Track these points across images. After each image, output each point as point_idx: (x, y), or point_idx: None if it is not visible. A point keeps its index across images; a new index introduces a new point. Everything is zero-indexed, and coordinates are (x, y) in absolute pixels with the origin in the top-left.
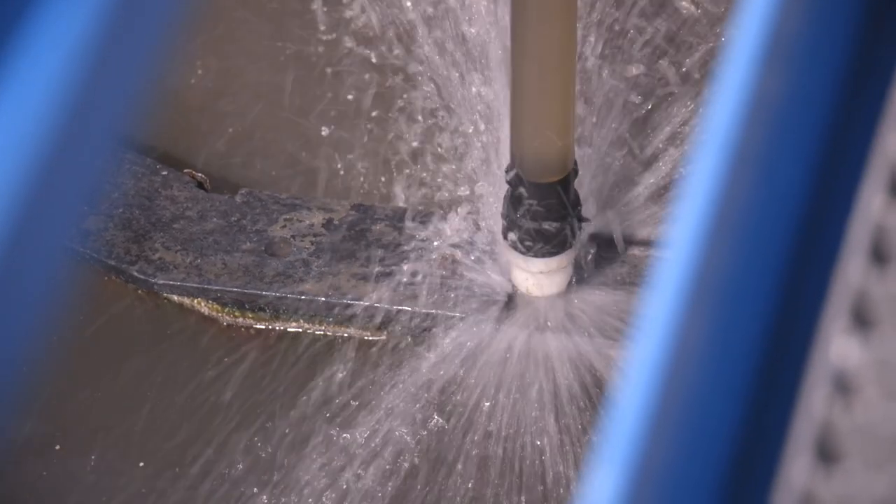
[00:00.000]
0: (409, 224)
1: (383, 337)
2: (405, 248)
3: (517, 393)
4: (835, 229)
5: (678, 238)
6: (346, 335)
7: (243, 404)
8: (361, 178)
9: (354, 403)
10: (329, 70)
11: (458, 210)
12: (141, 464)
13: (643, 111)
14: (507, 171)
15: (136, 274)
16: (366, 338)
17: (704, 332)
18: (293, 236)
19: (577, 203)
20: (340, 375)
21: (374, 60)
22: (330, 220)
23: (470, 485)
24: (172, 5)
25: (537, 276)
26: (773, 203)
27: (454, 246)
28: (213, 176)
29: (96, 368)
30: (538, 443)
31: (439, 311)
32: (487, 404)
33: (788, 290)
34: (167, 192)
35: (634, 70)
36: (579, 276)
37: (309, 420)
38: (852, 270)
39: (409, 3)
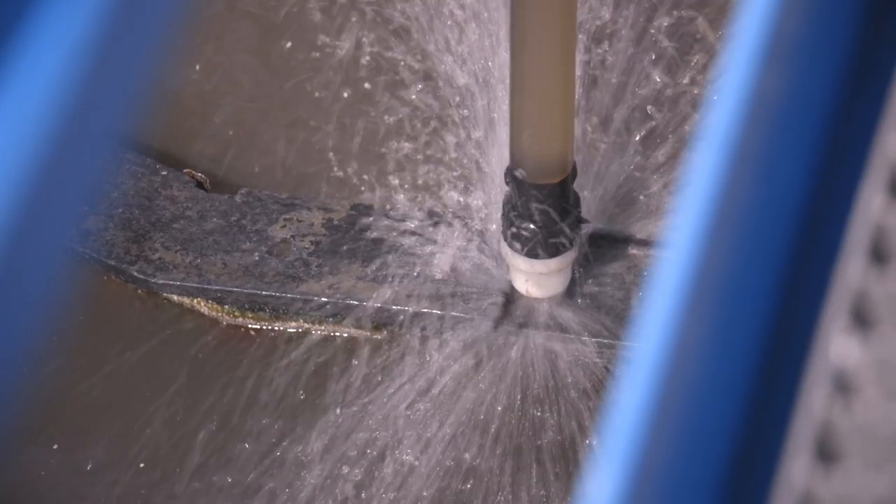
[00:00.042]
0: (409, 224)
1: (383, 336)
2: (405, 247)
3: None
4: (835, 229)
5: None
6: (345, 335)
7: (243, 404)
8: (361, 178)
9: (354, 403)
10: (329, 70)
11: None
12: (141, 464)
13: None
14: (506, 173)
15: (135, 274)
16: (365, 337)
17: (704, 332)
18: (293, 236)
19: (576, 204)
20: (340, 375)
21: (374, 60)
22: (330, 219)
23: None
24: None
25: (537, 277)
26: (773, 202)
27: (454, 246)
28: (212, 176)
29: (96, 368)
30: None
31: (439, 311)
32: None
33: (788, 290)
34: (167, 191)
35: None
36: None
37: (309, 419)
38: (852, 270)
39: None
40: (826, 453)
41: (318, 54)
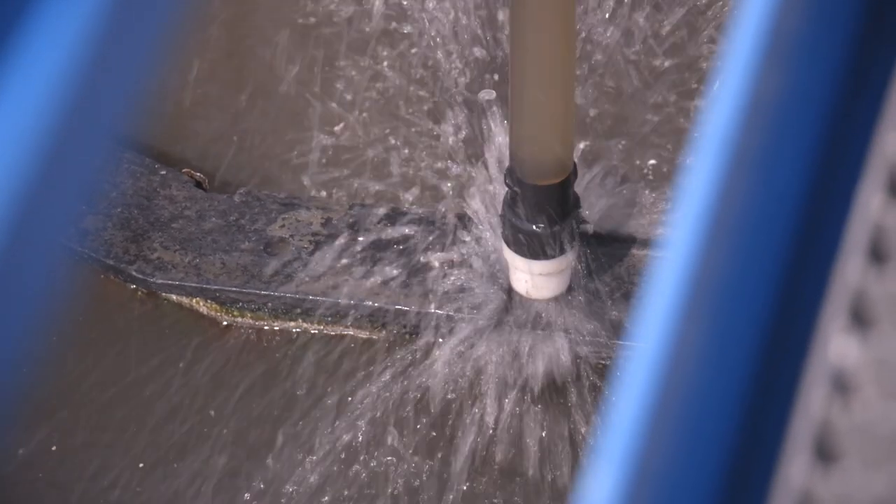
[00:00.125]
0: (408, 224)
1: (382, 336)
2: (404, 247)
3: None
4: (833, 229)
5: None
6: (344, 334)
7: (242, 404)
8: (361, 178)
9: (353, 402)
10: (329, 70)
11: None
12: (141, 464)
13: None
14: (506, 173)
15: (134, 273)
16: (365, 337)
17: (703, 331)
18: (292, 235)
19: (576, 205)
20: (340, 374)
21: (374, 60)
22: (329, 219)
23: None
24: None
25: (536, 278)
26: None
27: (453, 247)
28: (211, 175)
29: (95, 368)
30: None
31: (438, 311)
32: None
33: (787, 290)
34: (166, 191)
35: None
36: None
37: (309, 419)
38: (851, 270)
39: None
40: (825, 453)
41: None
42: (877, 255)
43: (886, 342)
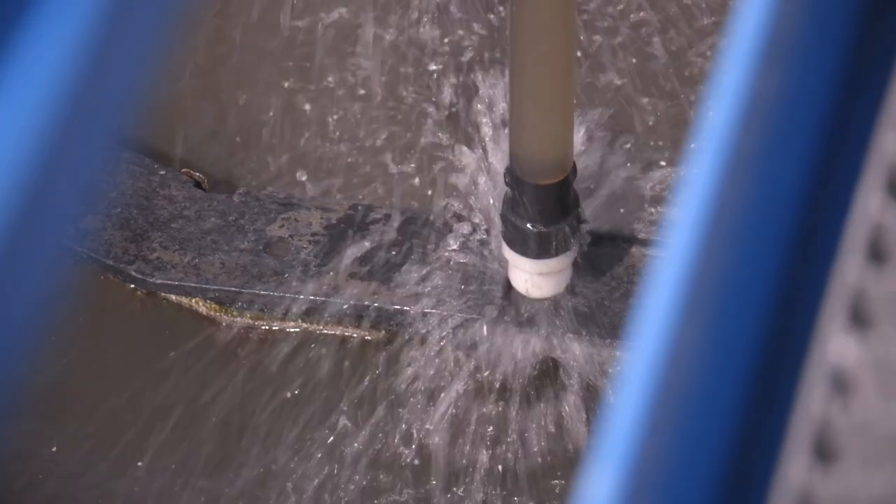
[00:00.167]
0: (408, 223)
1: (382, 336)
2: (403, 247)
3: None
4: (832, 228)
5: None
6: (344, 334)
7: (242, 404)
8: (360, 178)
9: (352, 402)
10: (329, 70)
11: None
12: (139, 463)
13: None
14: (506, 172)
15: (133, 273)
16: (364, 337)
17: (702, 331)
18: (291, 236)
19: (576, 204)
20: (339, 374)
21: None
22: (328, 219)
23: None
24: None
25: (536, 278)
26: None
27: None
28: (210, 175)
29: (93, 368)
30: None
31: (437, 311)
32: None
33: (786, 290)
34: (165, 191)
35: None
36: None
37: (308, 418)
38: (850, 269)
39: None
40: (824, 452)
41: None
42: (876, 254)
43: (886, 342)
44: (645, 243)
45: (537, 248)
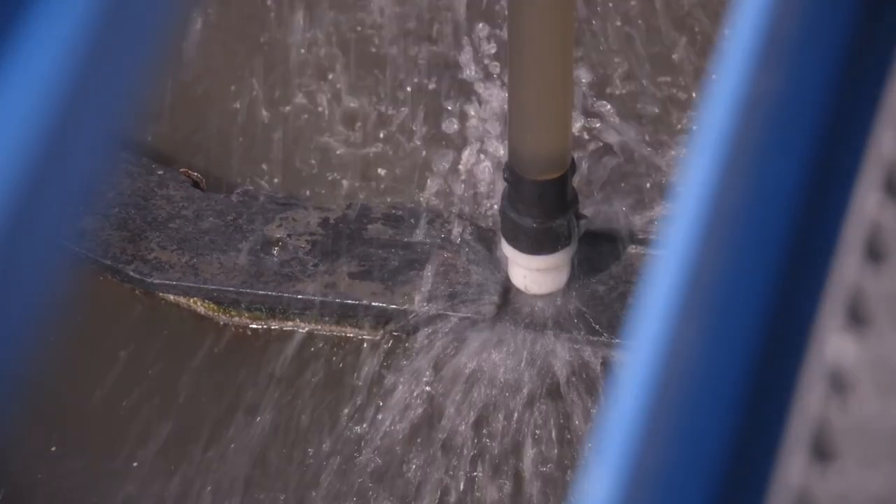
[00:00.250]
0: (407, 223)
1: (380, 336)
2: (401, 246)
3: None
4: (830, 227)
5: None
6: (342, 334)
7: (240, 404)
8: (359, 178)
9: (350, 401)
10: (327, 69)
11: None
12: (135, 464)
13: None
14: (505, 169)
15: (132, 273)
16: (362, 337)
17: (700, 331)
18: (289, 235)
19: (575, 200)
20: (337, 374)
21: (371, 62)
22: (326, 219)
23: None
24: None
25: (535, 274)
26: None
27: (450, 246)
28: (209, 175)
29: (92, 368)
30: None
31: (434, 311)
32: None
33: (784, 288)
34: (163, 191)
35: None
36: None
37: (306, 418)
38: (847, 268)
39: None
40: (822, 451)
41: (319, 50)
42: (873, 253)
43: (884, 341)
44: (643, 242)
45: (536, 244)
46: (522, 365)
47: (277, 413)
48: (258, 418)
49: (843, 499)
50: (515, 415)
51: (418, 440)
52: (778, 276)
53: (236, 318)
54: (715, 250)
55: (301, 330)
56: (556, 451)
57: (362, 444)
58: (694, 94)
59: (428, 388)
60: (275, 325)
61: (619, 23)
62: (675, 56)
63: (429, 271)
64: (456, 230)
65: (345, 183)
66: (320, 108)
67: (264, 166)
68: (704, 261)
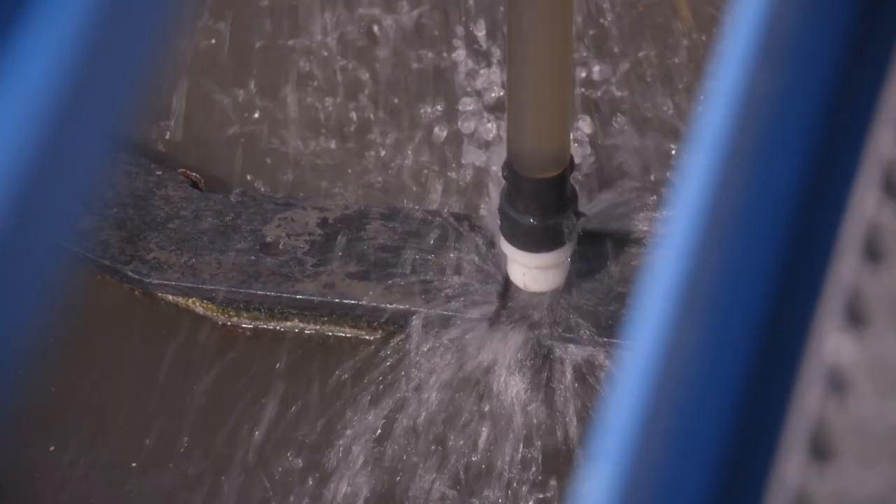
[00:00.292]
0: (404, 223)
1: (378, 336)
2: (399, 246)
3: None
4: (828, 227)
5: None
6: (340, 334)
7: (238, 404)
8: (356, 179)
9: (349, 402)
10: (326, 68)
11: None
12: (133, 463)
13: None
14: (504, 167)
15: (130, 274)
16: (361, 337)
17: (698, 330)
18: (288, 235)
19: (574, 198)
20: (335, 374)
21: (370, 61)
22: (324, 219)
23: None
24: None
25: (534, 272)
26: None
27: (447, 245)
28: (207, 175)
29: (90, 369)
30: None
31: (433, 311)
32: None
33: (782, 288)
34: (161, 191)
35: None
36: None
37: (304, 418)
38: (846, 268)
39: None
40: (820, 451)
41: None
42: (872, 253)
43: (882, 340)
44: (641, 242)
45: (535, 242)
46: (521, 364)
47: (277, 413)
48: (257, 418)
49: (842, 498)
50: (511, 414)
51: (418, 439)
52: (776, 275)
53: (235, 319)
54: (713, 250)
55: (299, 330)
56: (552, 451)
57: (362, 444)
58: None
59: (426, 388)
60: (273, 325)
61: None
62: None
63: (427, 271)
64: (454, 229)
65: (342, 183)
66: (319, 108)
67: (263, 166)
68: (703, 260)
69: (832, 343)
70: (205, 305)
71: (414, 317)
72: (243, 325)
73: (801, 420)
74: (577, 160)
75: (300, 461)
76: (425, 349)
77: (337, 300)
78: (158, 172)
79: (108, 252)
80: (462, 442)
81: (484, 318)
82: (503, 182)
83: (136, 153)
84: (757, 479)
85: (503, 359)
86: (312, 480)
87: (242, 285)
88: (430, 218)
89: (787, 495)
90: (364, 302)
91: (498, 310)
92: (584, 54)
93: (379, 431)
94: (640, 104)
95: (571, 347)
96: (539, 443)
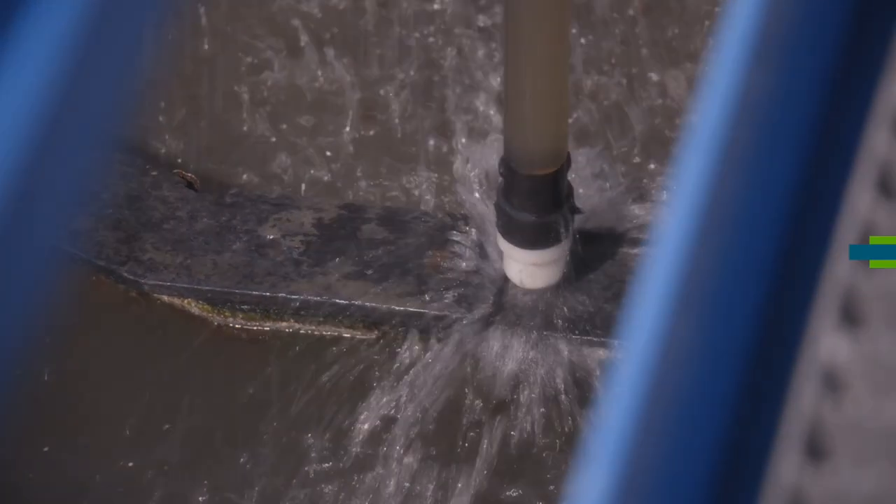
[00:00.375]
0: (401, 222)
1: (374, 336)
2: (395, 246)
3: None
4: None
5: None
6: (336, 334)
7: (234, 404)
8: (354, 179)
9: (346, 402)
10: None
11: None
12: (130, 463)
13: None
14: (500, 163)
15: (126, 274)
16: (357, 337)
17: (693, 330)
18: (283, 236)
19: (570, 195)
20: (332, 374)
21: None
22: (320, 219)
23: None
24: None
25: (530, 268)
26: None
27: (443, 244)
28: (202, 176)
29: (86, 369)
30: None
31: (429, 311)
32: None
33: (777, 287)
34: (157, 192)
35: None
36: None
37: (302, 418)
38: (841, 267)
39: None
40: (816, 450)
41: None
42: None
43: (877, 340)
44: (636, 241)
45: (532, 239)
46: (520, 362)
47: (273, 413)
48: (253, 419)
49: (837, 497)
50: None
51: (416, 441)
52: (771, 275)
53: (230, 319)
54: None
55: (295, 331)
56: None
57: (360, 443)
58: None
59: (424, 388)
60: (269, 326)
61: None
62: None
63: (423, 271)
64: (450, 229)
65: (339, 184)
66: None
67: (259, 166)
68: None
69: (827, 342)
70: (200, 306)
71: (410, 317)
72: (239, 326)
73: (797, 419)
74: None
75: (297, 461)
76: (422, 349)
77: (332, 300)
78: (153, 173)
79: (104, 253)
80: (462, 442)
81: (481, 317)
82: (500, 178)
83: (131, 153)
84: (752, 478)
85: (501, 358)
86: (309, 480)
87: (238, 286)
88: (425, 218)
89: (783, 494)
90: (359, 302)
91: (494, 308)
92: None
93: (377, 431)
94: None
95: (568, 345)
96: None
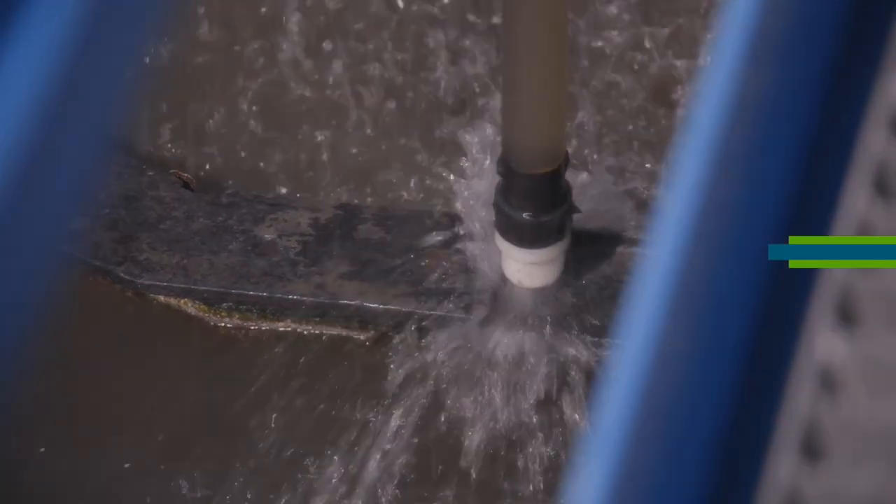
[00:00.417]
0: (398, 222)
1: (370, 336)
2: (392, 246)
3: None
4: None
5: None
6: (333, 334)
7: (231, 404)
8: (351, 179)
9: (343, 401)
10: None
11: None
12: (127, 465)
13: None
14: (498, 162)
15: (122, 275)
16: (353, 337)
17: (689, 330)
18: (280, 236)
19: (568, 193)
20: (328, 374)
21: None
22: (316, 219)
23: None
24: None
25: (529, 267)
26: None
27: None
28: (199, 176)
29: (83, 370)
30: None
31: (425, 311)
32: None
33: (773, 287)
34: (153, 192)
35: None
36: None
37: (299, 419)
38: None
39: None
40: (812, 450)
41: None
42: None
43: (873, 340)
44: (633, 241)
45: (530, 238)
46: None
47: (269, 413)
48: (250, 419)
49: (833, 497)
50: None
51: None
52: (768, 275)
53: (227, 319)
54: (704, 249)
55: (291, 330)
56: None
57: (359, 443)
58: None
59: (422, 388)
60: (265, 326)
61: None
62: None
63: (420, 271)
64: (447, 228)
65: (337, 184)
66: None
67: (255, 166)
68: (694, 260)
69: (824, 342)
70: (197, 306)
71: (406, 317)
72: (235, 326)
73: (793, 419)
74: None
75: (293, 461)
76: (418, 349)
77: (329, 300)
78: (150, 173)
79: (100, 253)
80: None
81: (477, 317)
82: (498, 177)
83: (127, 154)
84: (748, 478)
85: (498, 357)
86: (306, 480)
87: (234, 286)
88: (422, 218)
89: (779, 495)
90: (356, 302)
91: (492, 308)
92: None
93: (375, 431)
94: None
95: (566, 345)
96: (537, 442)
